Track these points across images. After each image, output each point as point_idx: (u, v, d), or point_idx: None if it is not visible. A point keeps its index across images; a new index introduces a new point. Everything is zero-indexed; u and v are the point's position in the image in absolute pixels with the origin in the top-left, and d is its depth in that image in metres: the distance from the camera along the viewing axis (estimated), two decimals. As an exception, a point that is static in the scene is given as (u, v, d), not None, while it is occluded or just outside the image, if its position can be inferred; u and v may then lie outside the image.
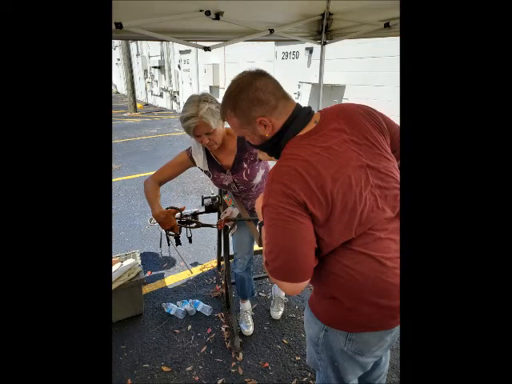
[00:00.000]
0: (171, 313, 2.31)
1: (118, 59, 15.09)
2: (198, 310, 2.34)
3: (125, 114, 12.47)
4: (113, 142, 8.09)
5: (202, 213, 2.08)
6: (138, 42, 16.11)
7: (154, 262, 2.95)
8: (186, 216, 1.88)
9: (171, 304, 2.36)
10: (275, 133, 0.94)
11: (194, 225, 1.84)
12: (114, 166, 5.99)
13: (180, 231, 1.79)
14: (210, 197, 2.14)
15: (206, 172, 1.79)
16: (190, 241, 2.01)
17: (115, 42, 17.33)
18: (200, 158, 1.71)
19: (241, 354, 1.98)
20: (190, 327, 2.22)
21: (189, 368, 1.90)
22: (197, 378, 1.84)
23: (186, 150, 1.76)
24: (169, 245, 1.91)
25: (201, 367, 1.91)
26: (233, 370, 1.89)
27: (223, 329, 2.19)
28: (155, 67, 13.93)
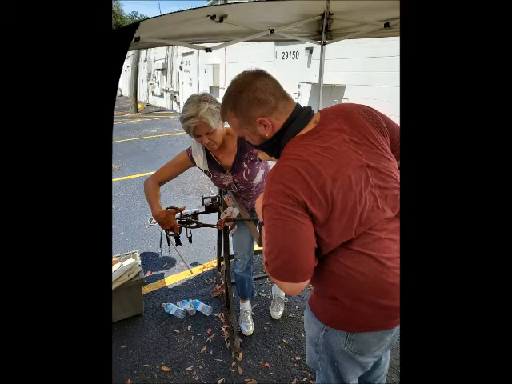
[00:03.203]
0: (171, 313, 2.31)
1: (128, 66, 15.36)
2: (198, 310, 2.34)
3: (126, 115, 12.66)
4: (113, 142, 8.10)
5: (202, 213, 2.08)
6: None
7: (154, 262, 2.95)
8: (186, 216, 1.88)
9: (171, 304, 2.36)
10: (275, 133, 0.94)
11: (194, 225, 1.84)
12: (114, 165, 6.00)
13: (180, 231, 1.80)
14: (209, 197, 2.14)
15: (205, 172, 1.79)
16: (190, 241, 2.01)
17: (129, 53, 17.66)
18: (200, 158, 1.71)
19: (241, 354, 1.98)
20: (189, 327, 2.22)
21: (189, 368, 1.90)
22: (197, 378, 1.84)
23: (185, 150, 1.77)
24: (169, 245, 1.91)
25: (201, 367, 1.91)
26: (233, 370, 1.88)
27: (223, 329, 2.19)
28: (159, 69, 14.28)
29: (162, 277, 2.77)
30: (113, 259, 2.32)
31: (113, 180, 5.32)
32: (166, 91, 13.91)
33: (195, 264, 2.96)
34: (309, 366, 1.87)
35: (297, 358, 1.96)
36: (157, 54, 15.16)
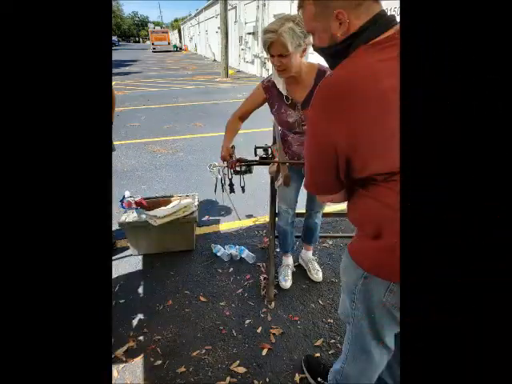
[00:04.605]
0: (218, 254, 2.47)
1: (219, 27, 15.06)
2: (243, 256, 2.45)
3: (216, 79, 13.18)
4: (202, 103, 8.64)
5: (256, 164, 1.97)
6: (237, 8, 16.05)
7: (213, 209, 3.17)
8: (243, 162, 1.85)
9: (219, 246, 2.52)
10: (348, 35, 0.82)
11: (244, 168, 1.85)
12: (197, 123, 6.42)
13: (234, 170, 1.83)
14: (262, 147, 1.96)
15: (271, 104, 1.74)
16: (243, 190, 1.99)
17: (216, 11, 17.29)
18: (280, 81, 1.67)
19: (273, 303, 2.05)
20: (231, 269, 2.37)
21: (222, 303, 2.07)
22: (227, 313, 1.99)
23: (260, 82, 1.76)
24: (223, 191, 1.94)
25: (233, 305, 2.05)
26: (262, 315, 1.97)
27: (261, 278, 2.28)
28: (249, 33, 13.86)
29: (217, 222, 2.96)
30: (173, 197, 2.56)
31: (194, 135, 5.73)
32: (257, 57, 13.42)
33: (250, 216, 3.07)
34: (338, 330, 1.86)
35: (329, 320, 1.94)
36: (247, 16, 14.44)
